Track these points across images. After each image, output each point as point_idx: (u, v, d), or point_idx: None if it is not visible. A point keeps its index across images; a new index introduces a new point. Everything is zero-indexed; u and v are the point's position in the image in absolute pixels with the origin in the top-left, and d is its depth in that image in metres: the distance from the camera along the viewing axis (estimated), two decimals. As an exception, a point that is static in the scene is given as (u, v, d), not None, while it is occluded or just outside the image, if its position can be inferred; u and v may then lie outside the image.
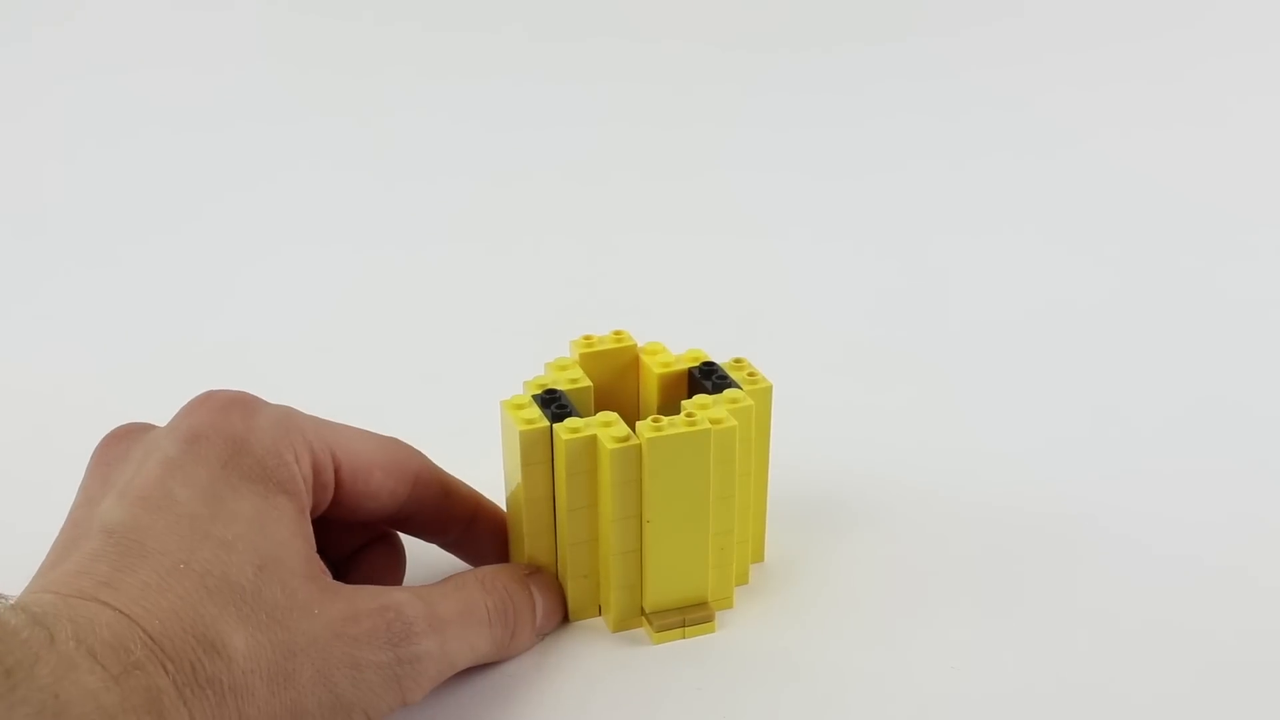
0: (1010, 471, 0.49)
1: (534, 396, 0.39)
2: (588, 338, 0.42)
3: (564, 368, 0.41)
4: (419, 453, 0.40)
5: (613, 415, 0.38)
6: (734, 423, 0.38)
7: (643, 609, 0.40)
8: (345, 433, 0.38)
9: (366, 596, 0.34)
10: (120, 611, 0.29)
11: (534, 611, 0.39)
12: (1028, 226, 0.70)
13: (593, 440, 0.37)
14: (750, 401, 0.39)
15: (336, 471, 0.37)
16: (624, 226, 0.70)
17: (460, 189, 0.74)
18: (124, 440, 0.36)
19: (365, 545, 0.41)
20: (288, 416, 0.36)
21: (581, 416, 0.38)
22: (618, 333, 0.42)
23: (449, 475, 0.40)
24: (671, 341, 0.42)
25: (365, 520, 0.39)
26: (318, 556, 0.34)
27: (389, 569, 0.41)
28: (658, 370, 0.40)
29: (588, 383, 0.40)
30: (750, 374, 0.40)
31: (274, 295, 0.64)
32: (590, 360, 0.41)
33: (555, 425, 0.38)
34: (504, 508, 0.41)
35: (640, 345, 0.42)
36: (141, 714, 0.28)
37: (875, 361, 0.57)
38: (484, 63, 0.81)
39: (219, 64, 0.81)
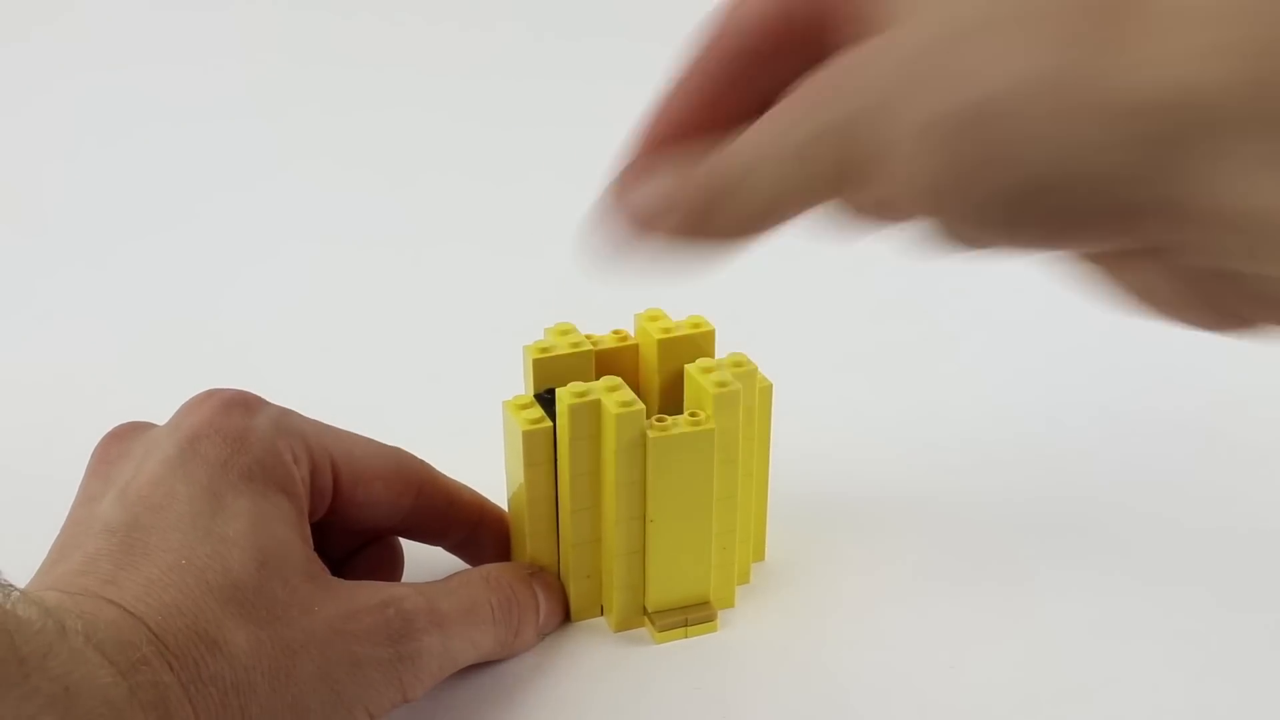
0: (1011, 471, 0.49)
1: (536, 396, 0.39)
2: (590, 336, 0.42)
3: (565, 332, 0.40)
4: (423, 463, 0.39)
5: (616, 380, 0.38)
6: (739, 386, 0.38)
7: (645, 608, 0.40)
8: (347, 440, 0.37)
9: (367, 593, 0.34)
10: (125, 609, 0.29)
11: (537, 610, 0.39)
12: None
13: (596, 405, 0.37)
14: (753, 365, 0.39)
15: (336, 478, 0.37)
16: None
17: (462, 188, 0.73)
18: (124, 439, 0.36)
19: (363, 545, 0.41)
20: (288, 418, 0.36)
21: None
22: (618, 332, 0.42)
23: (453, 482, 0.40)
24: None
25: (367, 529, 0.39)
26: (316, 555, 0.34)
27: (387, 569, 0.41)
28: (658, 336, 0.40)
29: (589, 346, 0.40)
30: (749, 371, 0.40)
31: (274, 294, 0.64)
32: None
33: (559, 390, 0.37)
34: (505, 508, 0.41)
35: (639, 312, 0.42)
36: (149, 710, 0.28)
37: (876, 361, 0.57)
38: (485, 60, 0.81)
39: (217, 60, 0.81)
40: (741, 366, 0.39)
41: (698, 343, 0.41)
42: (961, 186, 0.22)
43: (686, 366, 0.39)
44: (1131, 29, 0.20)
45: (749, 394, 0.39)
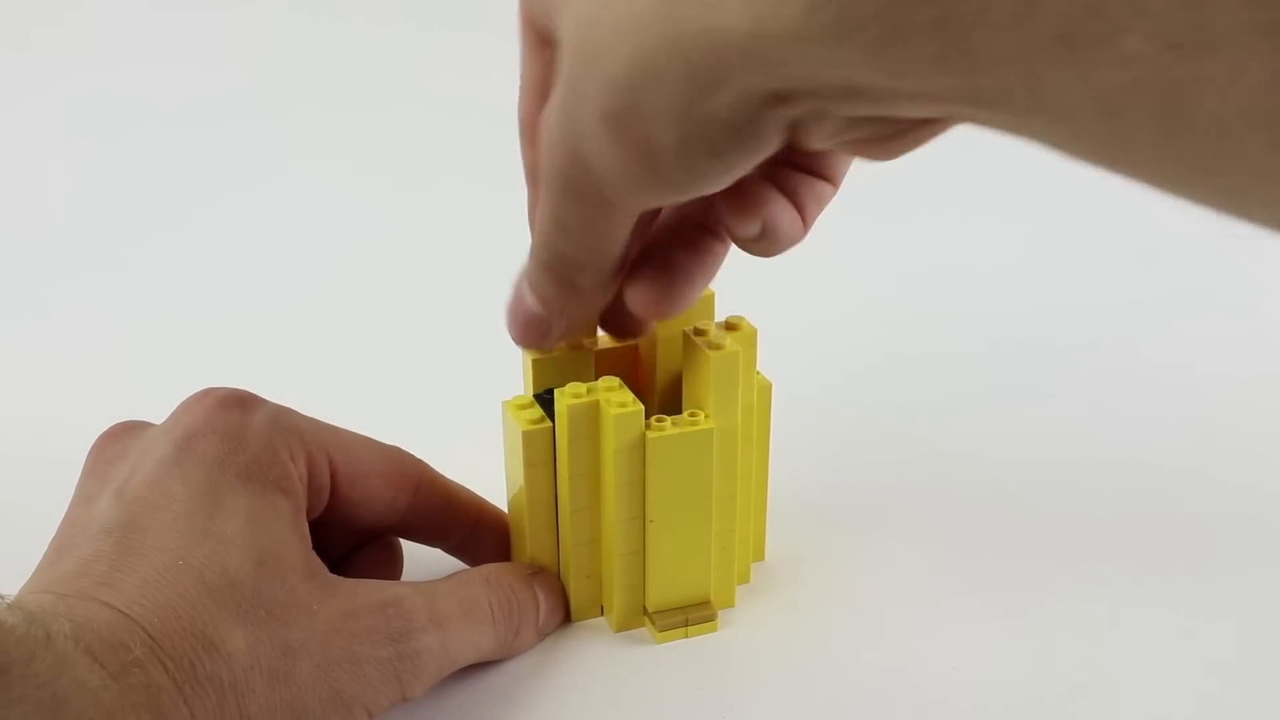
0: (1011, 470, 0.49)
1: (535, 396, 0.39)
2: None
3: None
4: (421, 462, 0.39)
5: (615, 380, 0.37)
6: (738, 348, 0.37)
7: (645, 608, 0.40)
8: (344, 438, 0.37)
9: (367, 592, 0.34)
10: (119, 611, 0.29)
11: (537, 610, 0.38)
12: (1032, 227, 0.70)
13: (595, 406, 0.37)
14: (753, 328, 0.39)
15: (333, 475, 0.36)
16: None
17: (461, 188, 0.73)
18: (120, 439, 0.36)
19: (362, 545, 0.40)
20: (285, 416, 0.36)
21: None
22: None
23: (451, 482, 0.40)
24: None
25: (365, 528, 0.39)
26: (315, 554, 0.34)
27: (386, 568, 0.40)
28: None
29: (588, 346, 0.40)
30: (748, 334, 0.39)
31: (273, 294, 0.64)
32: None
33: (558, 390, 0.37)
34: (505, 508, 0.41)
35: None
36: (141, 712, 0.28)
37: (876, 360, 0.57)
38: (485, 61, 0.81)
39: (216, 62, 0.81)
40: (739, 329, 0.39)
41: (696, 307, 0.40)
42: (632, 132, 0.26)
43: (683, 330, 0.38)
44: None
45: (748, 361, 0.39)
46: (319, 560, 0.34)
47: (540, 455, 0.38)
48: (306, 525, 0.35)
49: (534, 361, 0.39)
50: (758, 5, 0.22)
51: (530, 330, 0.36)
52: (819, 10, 0.22)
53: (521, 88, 0.34)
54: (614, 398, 0.37)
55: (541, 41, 0.32)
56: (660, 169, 0.27)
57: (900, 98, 0.23)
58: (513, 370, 0.41)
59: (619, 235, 0.31)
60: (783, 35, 0.22)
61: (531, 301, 0.35)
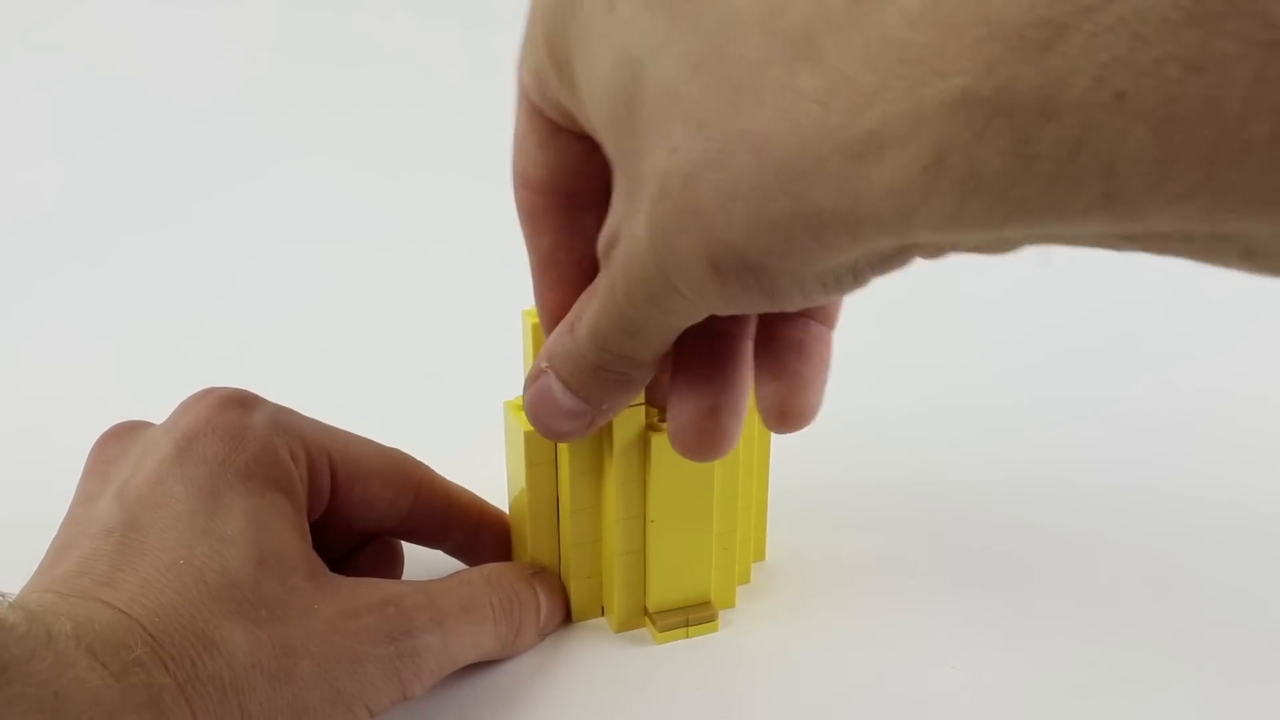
0: (1012, 471, 0.49)
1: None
2: None
3: None
4: (421, 465, 0.39)
5: None
6: None
7: (646, 609, 0.40)
8: (344, 439, 0.37)
9: (367, 590, 0.34)
10: (120, 610, 0.29)
11: (538, 610, 0.38)
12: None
13: None
14: None
15: (334, 476, 0.36)
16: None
17: (462, 187, 0.73)
18: (121, 439, 0.36)
19: (362, 545, 0.40)
20: (285, 416, 0.36)
21: None
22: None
23: (452, 484, 0.40)
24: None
25: (365, 529, 0.39)
26: (315, 553, 0.34)
27: (386, 567, 0.40)
28: None
29: None
30: None
31: (273, 293, 0.64)
32: None
33: None
34: (505, 509, 0.41)
35: None
36: (142, 711, 0.27)
37: (876, 361, 0.57)
38: (484, 58, 0.81)
39: (215, 59, 0.81)
40: None
41: None
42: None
43: None
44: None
45: None
46: (319, 560, 0.34)
47: (541, 456, 0.38)
48: (307, 524, 0.35)
49: (534, 326, 0.39)
50: (905, 196, 0.21)
51: (575, 425, 0.33)
52: (976, 194, 0.20)
53: (520, 152, 0.31)
54: None
55: (552, 128, 0.30)
56: (772, 304, 0.26)
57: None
58: (514, 371, 0.41)
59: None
60: (936, 219, 0.21)
61: (571, 401, 0.33)
